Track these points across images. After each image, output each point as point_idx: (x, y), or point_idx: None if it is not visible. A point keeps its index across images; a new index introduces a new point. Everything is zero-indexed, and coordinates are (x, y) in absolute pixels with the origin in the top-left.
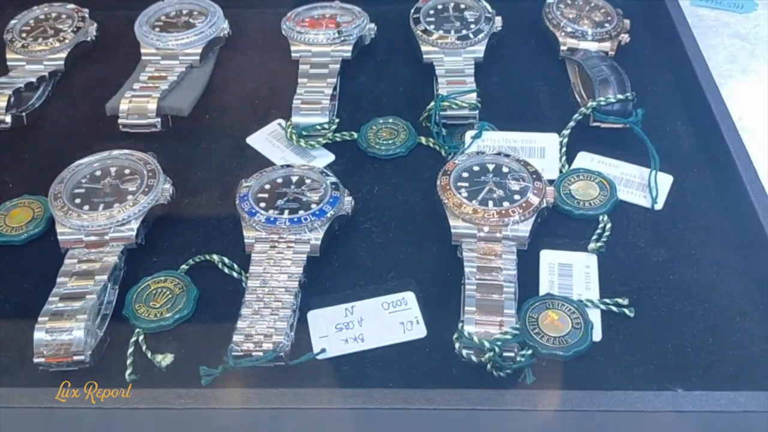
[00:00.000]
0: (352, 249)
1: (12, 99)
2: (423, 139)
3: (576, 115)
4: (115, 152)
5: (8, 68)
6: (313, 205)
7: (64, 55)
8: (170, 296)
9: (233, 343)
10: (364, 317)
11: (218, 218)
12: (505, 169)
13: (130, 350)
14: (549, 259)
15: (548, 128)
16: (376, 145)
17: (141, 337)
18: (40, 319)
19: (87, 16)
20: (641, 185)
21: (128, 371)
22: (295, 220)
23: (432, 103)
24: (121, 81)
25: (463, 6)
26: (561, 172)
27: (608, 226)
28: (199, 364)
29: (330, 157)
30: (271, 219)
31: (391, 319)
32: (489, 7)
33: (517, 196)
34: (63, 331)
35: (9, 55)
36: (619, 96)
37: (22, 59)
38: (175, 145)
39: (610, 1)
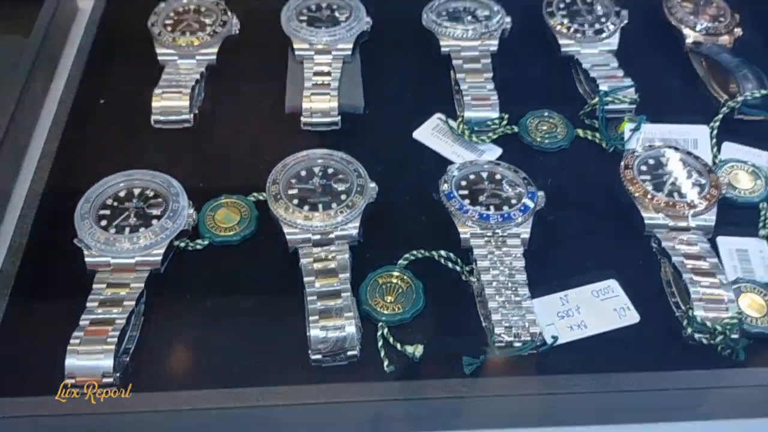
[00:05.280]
0: (545, 240)
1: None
2: (580, 132)
3: (723, 109)
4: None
5: (159, 62)
6: (513, 201)
7: (215, 49)
8: (400, 291)
9: (496, 335)
10: (580, 305)
11: (420, 213)
12: (680, 163)
13: (380, 343)
14: (727, 245)
15: (689, 121)
16: (539, 139)
17: (386, 331)
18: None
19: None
20: None
21: (385, 363)
22: (506, 216)
23: (596, 99)
24: (269, 75)
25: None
26: (714, 163)
27: None
28: (441, 354)
29: (498, 151)
30: (484, 215)
31: (604, 306)
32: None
33: (697, 189)
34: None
35: (159, 50)
36: (763, 91)
37: (173, 54)
38: (347, 141)
39: None
